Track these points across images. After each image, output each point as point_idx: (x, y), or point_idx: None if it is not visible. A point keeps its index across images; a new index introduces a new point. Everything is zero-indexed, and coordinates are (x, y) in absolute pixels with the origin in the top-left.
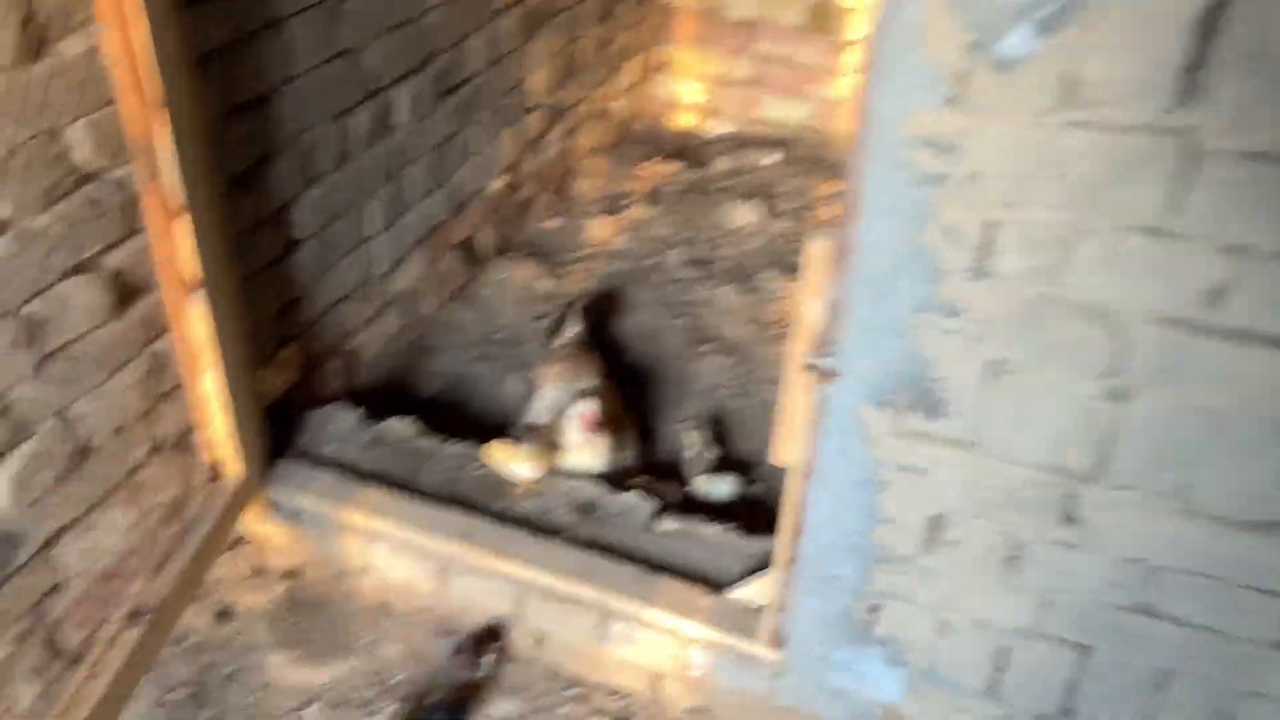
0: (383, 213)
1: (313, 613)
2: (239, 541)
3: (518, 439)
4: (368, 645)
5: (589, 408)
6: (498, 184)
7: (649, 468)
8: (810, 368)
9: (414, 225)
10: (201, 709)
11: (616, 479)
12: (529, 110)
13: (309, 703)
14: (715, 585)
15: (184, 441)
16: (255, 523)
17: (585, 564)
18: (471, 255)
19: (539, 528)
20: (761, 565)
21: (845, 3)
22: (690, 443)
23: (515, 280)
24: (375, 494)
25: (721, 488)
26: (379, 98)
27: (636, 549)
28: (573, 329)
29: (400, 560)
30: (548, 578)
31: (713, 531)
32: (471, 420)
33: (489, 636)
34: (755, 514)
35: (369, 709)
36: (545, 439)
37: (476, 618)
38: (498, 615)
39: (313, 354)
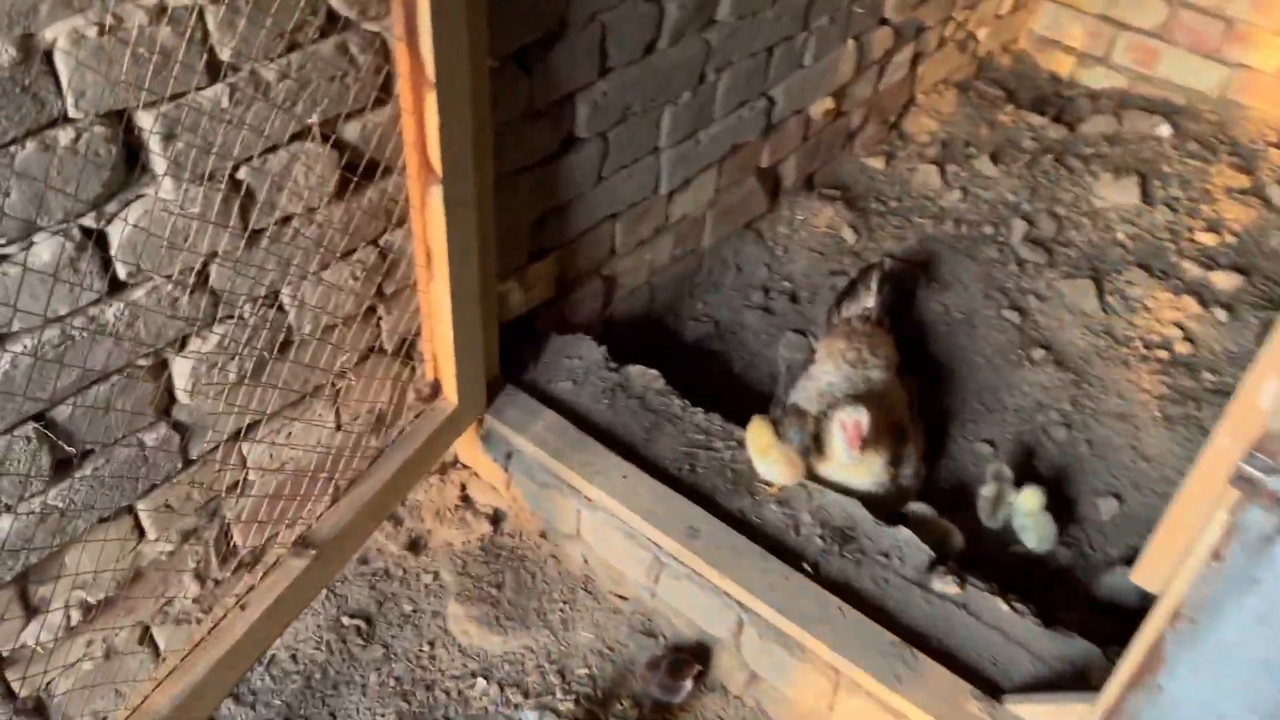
0: (681, 120)
1: (508, 567)
2: (451, 466)
3: (777, 420)
4: (558, 622)
5: (858, 419)
6: (821, 106)
7: (930, 494)
8: (1242, 480)
9: (713, 141)
10: (369, 644)
11: (887, 503)
12: (881, 23)
13: (479, 675)
14: (992, 686)
15: (403, 350)
16: (471, 450)
17: (827, 609)
18: (772, 186)
19: (780, 546)
20: (1063, 678)
21: None
22: (992, 475)
23: (816, 223)
24: (600, 454)
25: (1028, 540)
26: None
27: (898, 607)
28: (868, 299)
29: (612, 538)
30: (777, 614)
31: (1003, 608)
32: (730, 380)
33: (692, 659)
34: (1063, 592)
35: (541, 700)
36: (808, 432)
37: (684, 630)
38: (709, 635)
39: (567, 273)
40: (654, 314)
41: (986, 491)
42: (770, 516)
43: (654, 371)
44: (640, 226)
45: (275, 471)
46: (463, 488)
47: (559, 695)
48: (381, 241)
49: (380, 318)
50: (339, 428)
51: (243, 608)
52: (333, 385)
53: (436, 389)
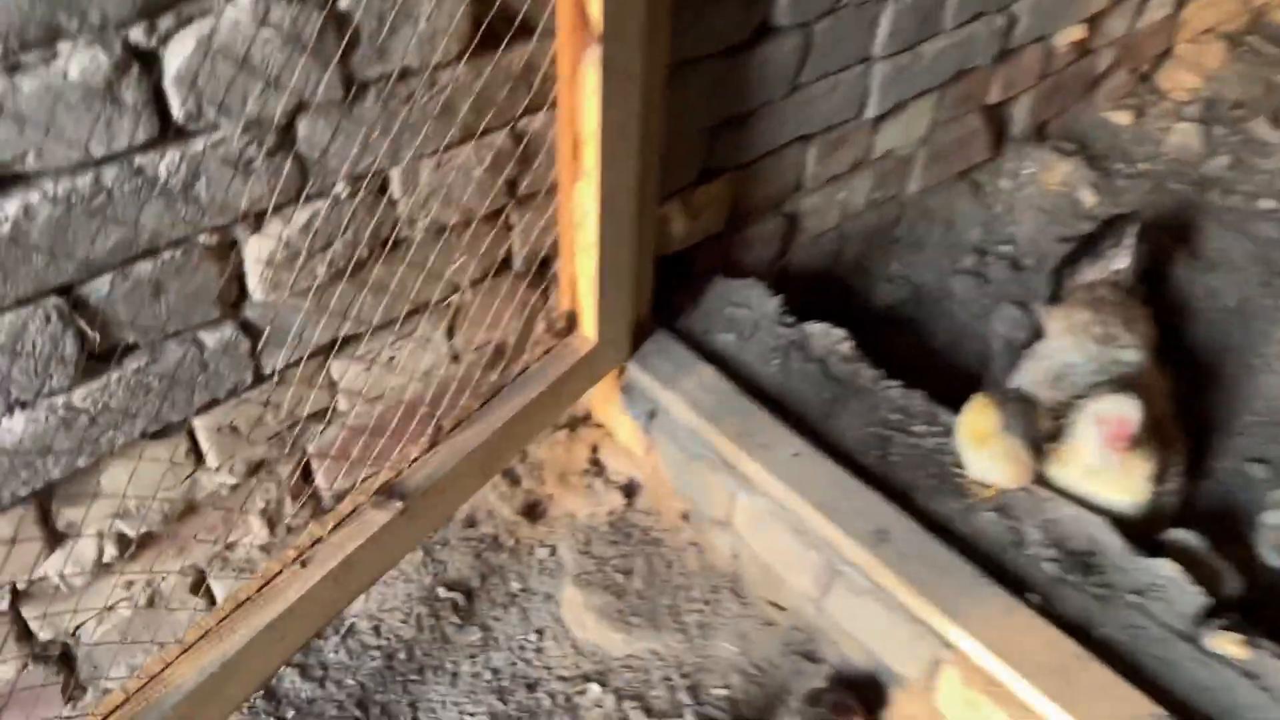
0: (903, 24)
1: (639, 551)
2: (584, 421)
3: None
4: (694, 626)
5: (1125, 414)
6: (1068, 35)
7: (1188, 521)
8: None
9: (938, 59)
10: (466, 623)
11: (1139, 525)
12: None
13: (593, 679)
14: None
15: (534, 271)
16: (607, 404)
17: (1062, 658)
18: (997, 129)
19: (998, 566)
20: None
21: None
22: (1274, 503)
23: (1046, 179)
24: (765, 424)
25: None
26: None
27: (1158, 667)
28: (1121, 259)
29: (773, 531)
30: (991, 655)
31: None
32: (928, 357)
33: (861, 702)
34: None
35: None
36: (1038, 424)
37: (855, 659)
38: (889, 670)
39: (740, 204)
40: (839, 270)
41: (1273, 519)
42: (985, 527)
43: (840, 331)
44: (836, 157)
45: (371, 401)
46: (594, 450)
47: (688, 717)
48: (519, 125)
49: (510, 224)
50: (453, 357)
51: (303, 564)
52: (446, 302)
53: (572, 323)
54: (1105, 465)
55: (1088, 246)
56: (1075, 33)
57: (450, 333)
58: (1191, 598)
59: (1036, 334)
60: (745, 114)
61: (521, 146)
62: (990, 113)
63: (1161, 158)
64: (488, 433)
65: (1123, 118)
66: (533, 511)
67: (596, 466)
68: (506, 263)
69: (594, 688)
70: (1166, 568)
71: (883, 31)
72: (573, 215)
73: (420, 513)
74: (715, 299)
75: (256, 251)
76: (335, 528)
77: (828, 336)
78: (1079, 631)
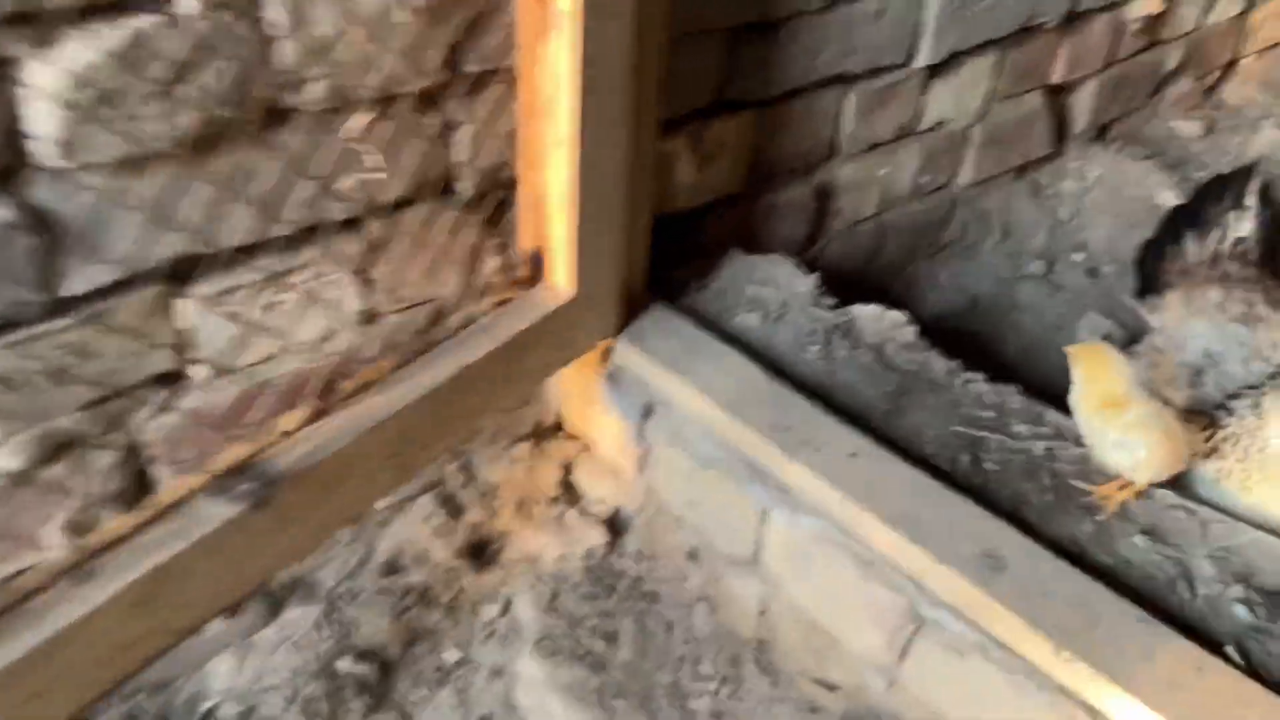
0: None
1: (627, 607)
2: (553, 432)
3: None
4: (707, 716)
5: None
6: (1142, 7)
7: None
8: None
9: (997, 9)
10: (376, 712)
11: None
12: None
13: None
14: None
15: (485, 197)
16: (585, 406)
17: None
18: (1059, 119)
19: (1161, 607)
20: None
21: None
22: None
23: (1120, 182)
24: (812, 417)
25: None
26: None
27: None
28: (1241, 225)
29: (822, 566)
30: None
31: None
32: (996, 372)
33: None
34: None
35: None
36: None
37: None
38: None
39: (763, 160)
40: (877, 271)
41: None
42: (1133, 554)
43: (899, 314)
44: (880, 116)
45: (237, 372)
46: (566, 470)
47: None
48: None
49: (451, 120)
50: (366, 317)
51: (83, 578)
52: (356, 228)
53: (538, 267)
54: None
55: (1193, 216)
56: (1150, 3)
57: (362, 278)
58: None
59: (1134, 339)
60: (774, 22)
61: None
62: (1053, 96)
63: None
64: (407, 402)
65: (1191, 128)
66: (480, 553)
67: (570, 493)
68: (447, 185)
69: None
70: None
71: None
72: (538, 96)
73: (292, 513)
74: (732, 275)
75: (45, 83)
76: (147, 523)
77: (882, 320)
78: None
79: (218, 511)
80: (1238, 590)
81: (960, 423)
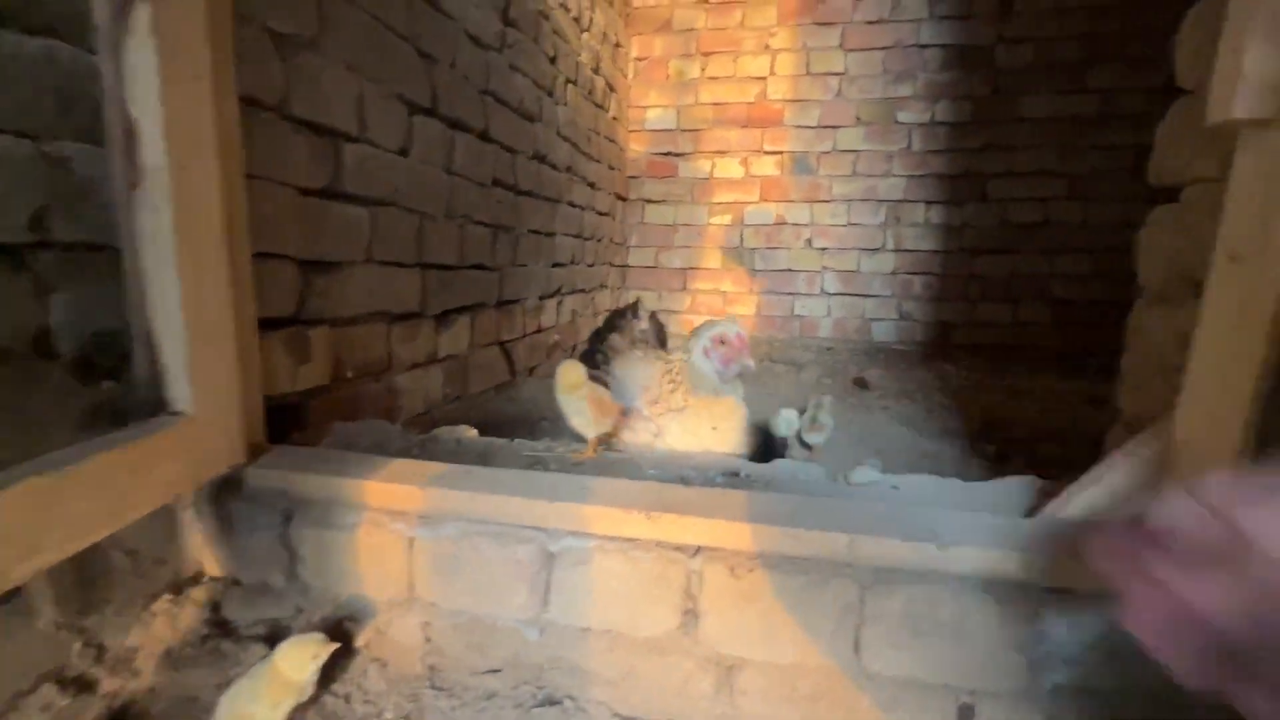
0: (441, 243)
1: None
2: (193, 581)
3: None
4: None
5: (733, 328)
6: (549, 323)
7: None
8: None
9: (464, 286)
10: None
11: None
12: None
13: None
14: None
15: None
16: (226, 539)
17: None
18: (511, 361)
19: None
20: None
21: None
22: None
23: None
24: (434, 466)
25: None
26: None
27: None
28: (639, 326)
29: (472, 553)
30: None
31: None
32: None
33: None
34: None
35: None
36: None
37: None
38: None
39: (344, 362)
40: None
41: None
42: (612, 469)
43: (464, 426)
44: (414, 345)
45: None
46: (215, 609)
47: None
48: None
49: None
50: None
51: None
52: None
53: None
54: (723, 386)
55: (615, 322)
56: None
57: None
58: None
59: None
60: (336, 262)
61: None
62: (503, 347)
63: None
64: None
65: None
66: (123, 717)
67: (222, 627)
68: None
69: None
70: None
71: (430, 246)
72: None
73: None
74: (343, 430)
75: None
76: None
77: (454, 431)
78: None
79: None
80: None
81: (525, 457)
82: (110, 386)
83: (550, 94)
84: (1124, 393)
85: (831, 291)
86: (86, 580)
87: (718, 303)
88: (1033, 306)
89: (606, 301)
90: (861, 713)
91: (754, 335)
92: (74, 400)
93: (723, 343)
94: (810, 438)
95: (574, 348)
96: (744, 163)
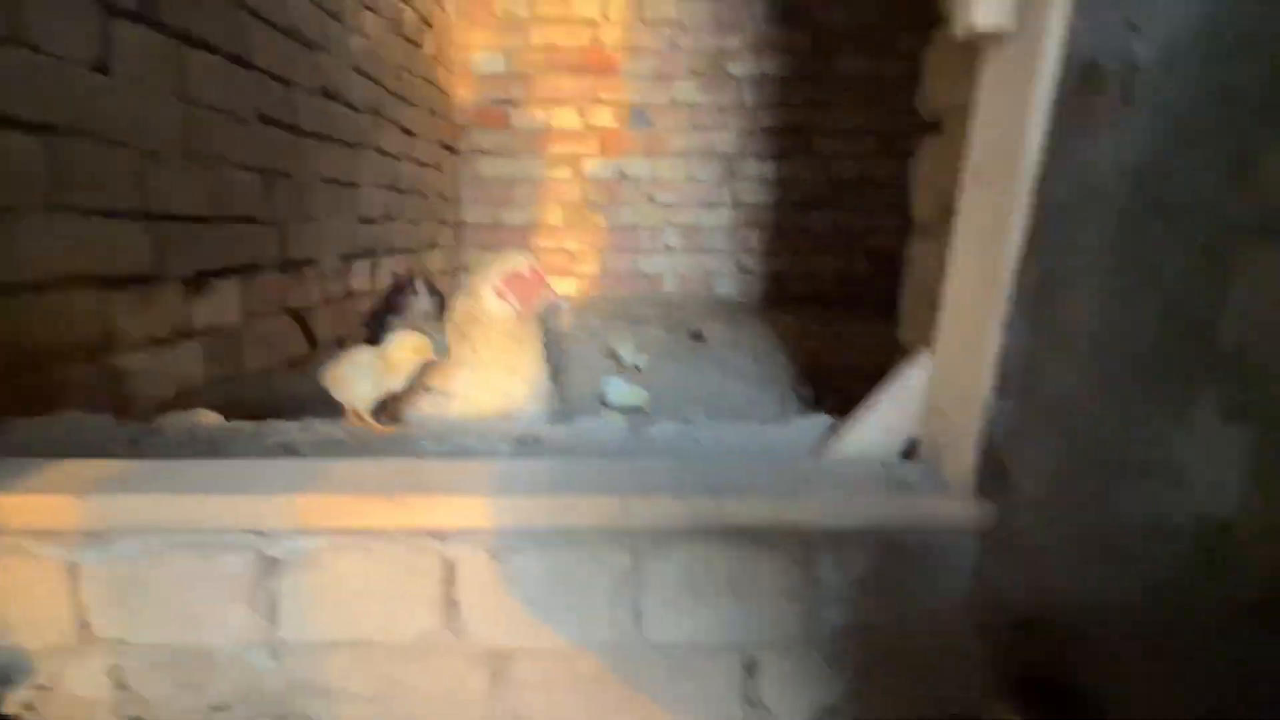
0: (167, 183)
1: None
2: None
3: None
4: None
5: (523, 260)
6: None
7: None
8: None
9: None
10: None
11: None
12: None
13: None
14: None
15: None
16: None
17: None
18: (309, 331)
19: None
20: None
21: None
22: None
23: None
24: (127, 466)
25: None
26: None
27: None
28: (421, 303)
29: (161, 573)
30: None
31: None
32: None
33: None
34: None
35: None
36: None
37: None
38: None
39: (28, 343)
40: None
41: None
42: (386, 445)
43: (205, 412)
44: (148, 316)
45: None
46: None
47: None
48: None
49: None
50: None
51: None
52: None
53: None
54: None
55: (390, 304)
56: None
57: None
58: None
59: None
60: None
61: None
62: (295, 315)
63: None
64: None
65: None
66: None
67: None
68: None
69: None
70: None
71: (160, 192)
72: None
73: None
74: (22, 431)
75: None
76: None
77: (187, 417)
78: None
79: None
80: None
81: (271, 443)
82: None
83: (339, 20)
84: (904, 327)
85: (675, 247)
86: None
87: (563, 261)
88: (854, 258)
89: (439, 262)
90: (648, 685)
91: (601, 294)
92: None
93: (517, 278)
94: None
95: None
96: (581, 113)
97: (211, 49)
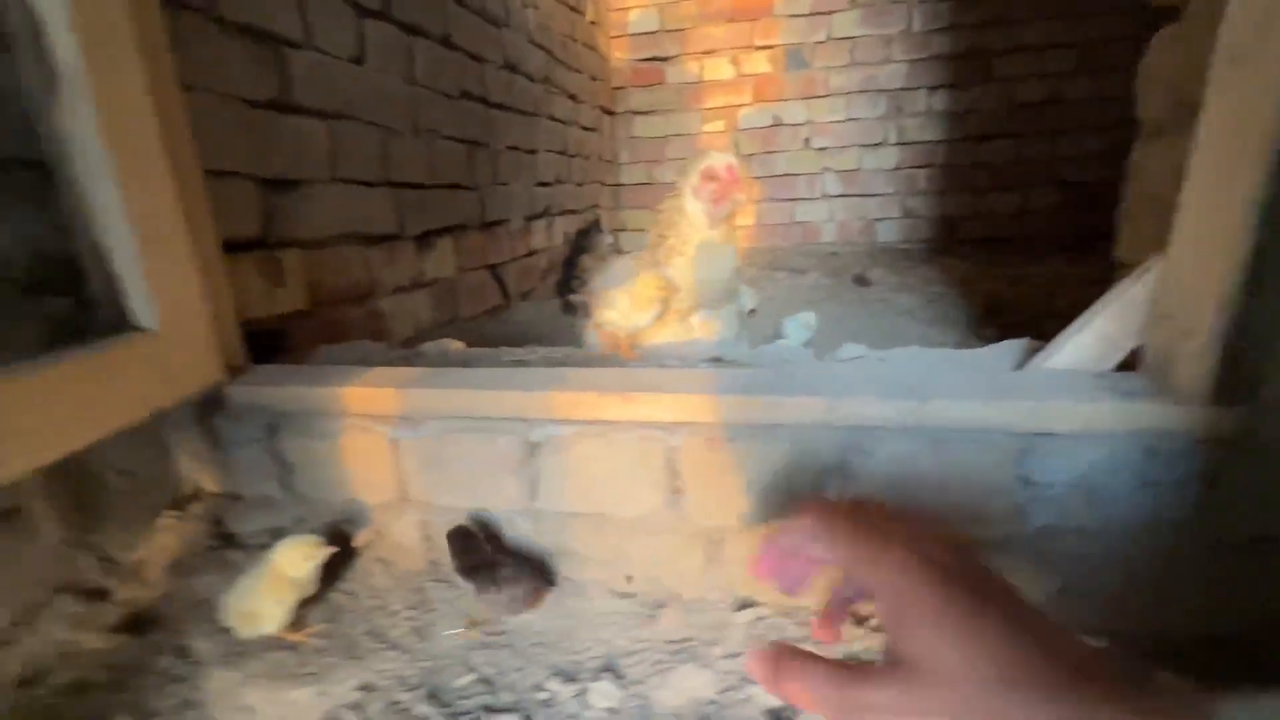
0: (408, 157)
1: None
2: (192, 498)
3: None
4: (409, 635)
5: (724, 160)
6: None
7: None
8: None
9: (442, 205)
10: None
11: None
12: None
13: None
14: None
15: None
16: (218, 458)
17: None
18: (503, 285)
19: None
20: None
21: None
22: None
23: (550, 308)
24: (425, 372)
25: None
26: None
27: None
28: (606, 243)
29: (456, 450)
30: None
31: None
32: None
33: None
34: None
35: None
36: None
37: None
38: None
39: (322, 286)
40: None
41: None
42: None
43: (454, 340)
44: (394, 269)
45: None
46: (217, 522)
47: None
48: None
49: None
50: None
51: None
52: None
53: (117, 305)
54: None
55: (581, 244)
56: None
57: None
58: None
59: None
60: (296, 180)
61: None
62: (492, 271)
63: None
64: None
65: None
66: (137, 623)
67: (226, 539)
68: None
69: None
70: None
71: (397, 164)
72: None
73: None
74: (328, 354)
75: None
76: None
77: (439, 344)
78: None
79: None
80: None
81: (508, 361)
82: (62, 303)
83: None
84: (1123, 242)
85: (833, 194)
86: (86, 501)
87: None
88: (1037, 192)
89: (602, 222)
90: None
91: (755, 246)
92: (29, 323)
93: (712, 179)
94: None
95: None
96: (734, 61)
97: (428, 35)
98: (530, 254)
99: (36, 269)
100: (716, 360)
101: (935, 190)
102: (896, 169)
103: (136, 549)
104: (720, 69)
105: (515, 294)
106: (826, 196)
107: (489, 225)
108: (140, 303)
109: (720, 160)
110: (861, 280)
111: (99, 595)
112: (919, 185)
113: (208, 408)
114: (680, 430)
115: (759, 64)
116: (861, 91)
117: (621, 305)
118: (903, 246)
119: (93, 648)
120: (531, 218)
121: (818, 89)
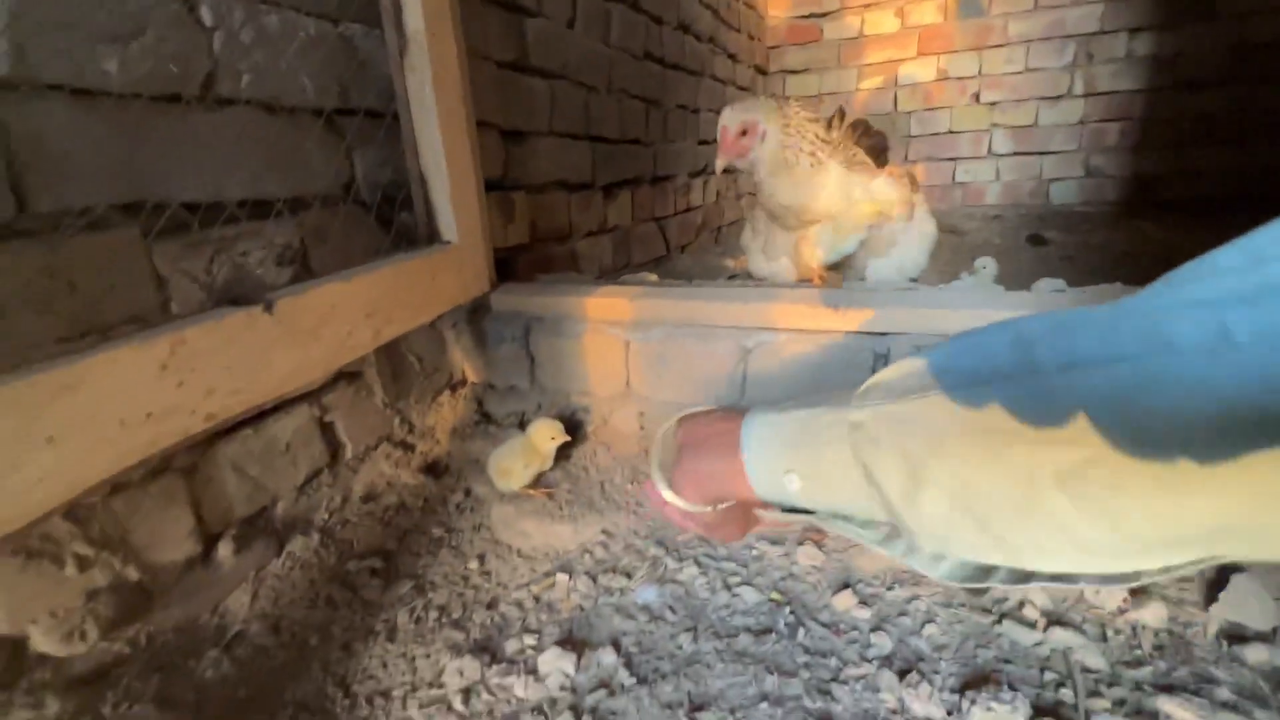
0: (603, 114)
1: (556, 468)
2: (461, 384)
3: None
4: (634, 502)
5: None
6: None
7: None
8: None
9: (624, 159)
10: (391, 583)
11: None
12: None
13: (555, 573)
14: None
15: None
16: (480, 355)
17: None
18: (666, 238)
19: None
20: None
21: None
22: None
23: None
24: (662, 285)
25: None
26: None
27: None
28: None
29: (676, 354)
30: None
31: None
32: None
33: None
34: None
35: (655, 574)
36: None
37: None
38: None
39: (539, 225)
40: None
41: None
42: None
43: (648, 274)
44: (587, 214)
45: None
46: (479, 403)
47: (672, 564)
48: None
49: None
50: None
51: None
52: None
53: (434, 226)
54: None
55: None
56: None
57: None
58: None
59: None
60: (525, 132)
61: None
62: (658, 223)
63: None
64: (366, 277)
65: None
66: (435, 469)
67: (487, 417)
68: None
69: (561, 577)
70: None
71: (595, 120)
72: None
73: (295, 324)
74: (549, 280)
75: None
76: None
77: (639, 277)
78: None
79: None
80: None
81: (722, 279)
82: (403, 218)
83: None
84: None
85: (1001, 152)
86: (398, 374)
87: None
88: (1262, 148)
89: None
90: None
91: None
92: (380, 239)
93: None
94: None
95: (719, 229)
96: (899, 13)
97: (622, 0)
98: (689, 209)
99: (382, 194)
100: (914, 283)
101: (1128, 146)
102: (1081, 123)
103: (427, 417)
104: (884, 22)
105: (675, 246)
106: (994, 155)
107: (658, 180)
108: (446, 222)
109: (729, 118)
110: (1037, 240)
111: (406, 446)
112: (1107, 141)
113: (478, 312)
114: (889, 338)
115: (926, 14)
116: (1045, 39)
117: (824, 238)
118: (1081, 209)
119: (405, 482)
120: (693, 175)
121: (993, 38)
